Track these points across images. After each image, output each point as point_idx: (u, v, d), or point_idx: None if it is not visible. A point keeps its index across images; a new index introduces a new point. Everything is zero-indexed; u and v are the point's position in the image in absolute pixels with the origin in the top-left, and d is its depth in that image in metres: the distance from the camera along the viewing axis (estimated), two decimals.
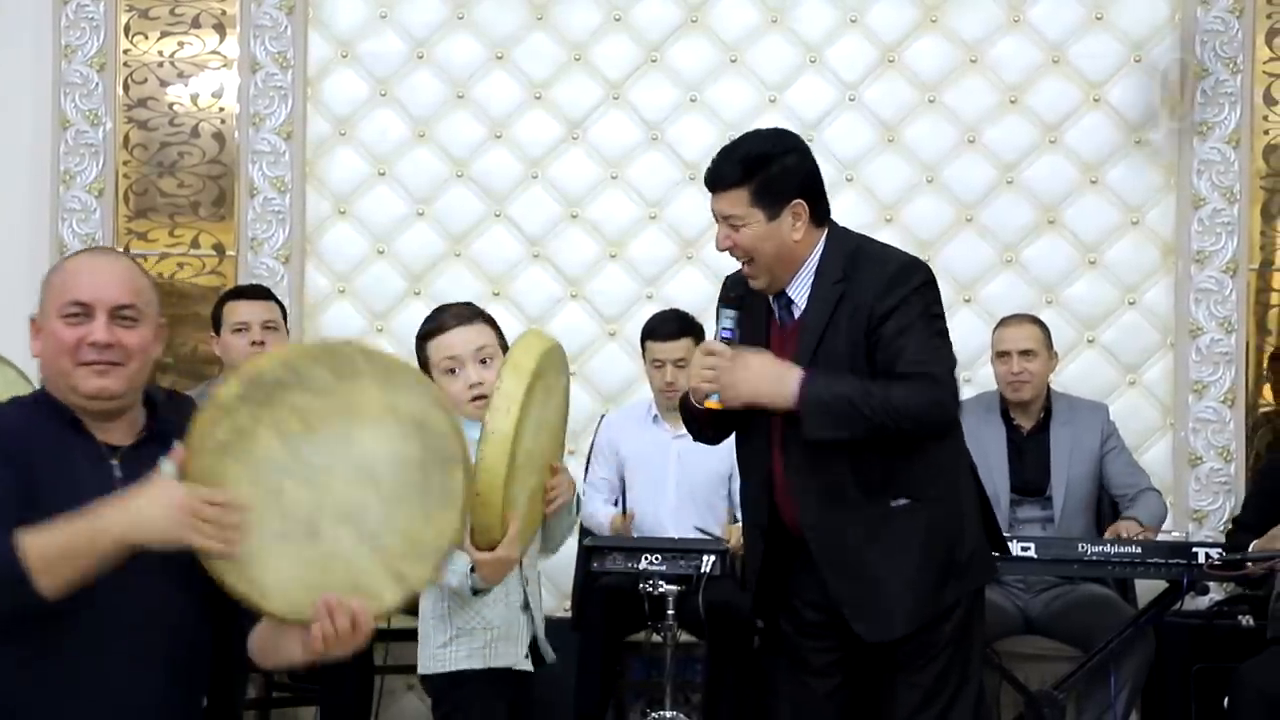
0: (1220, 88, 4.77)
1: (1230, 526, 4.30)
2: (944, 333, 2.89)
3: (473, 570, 2.73)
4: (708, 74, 4.95)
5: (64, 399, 2.20)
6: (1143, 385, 4.83)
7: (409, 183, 4.96)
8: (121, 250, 4.85)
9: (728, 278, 3.00)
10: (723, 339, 2.92)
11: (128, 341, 2.17)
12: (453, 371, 2.80)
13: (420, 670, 2.99)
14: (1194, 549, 3.79)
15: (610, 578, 4.02)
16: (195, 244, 4.90)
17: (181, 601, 2.17)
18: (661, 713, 3.84)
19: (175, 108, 4.91)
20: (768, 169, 2.87)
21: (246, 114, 4.88)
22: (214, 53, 4.93)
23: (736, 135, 4.77)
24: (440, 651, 2.92)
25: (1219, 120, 4.78)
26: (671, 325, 4.30)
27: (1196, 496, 4.75)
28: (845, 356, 2.83)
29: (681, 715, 3.87)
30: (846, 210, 4.84)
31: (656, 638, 3.89)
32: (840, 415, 2.76)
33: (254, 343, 4.10)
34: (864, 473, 2.83)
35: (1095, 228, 4.85)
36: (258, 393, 2.05)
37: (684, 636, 3.96)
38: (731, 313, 2.93)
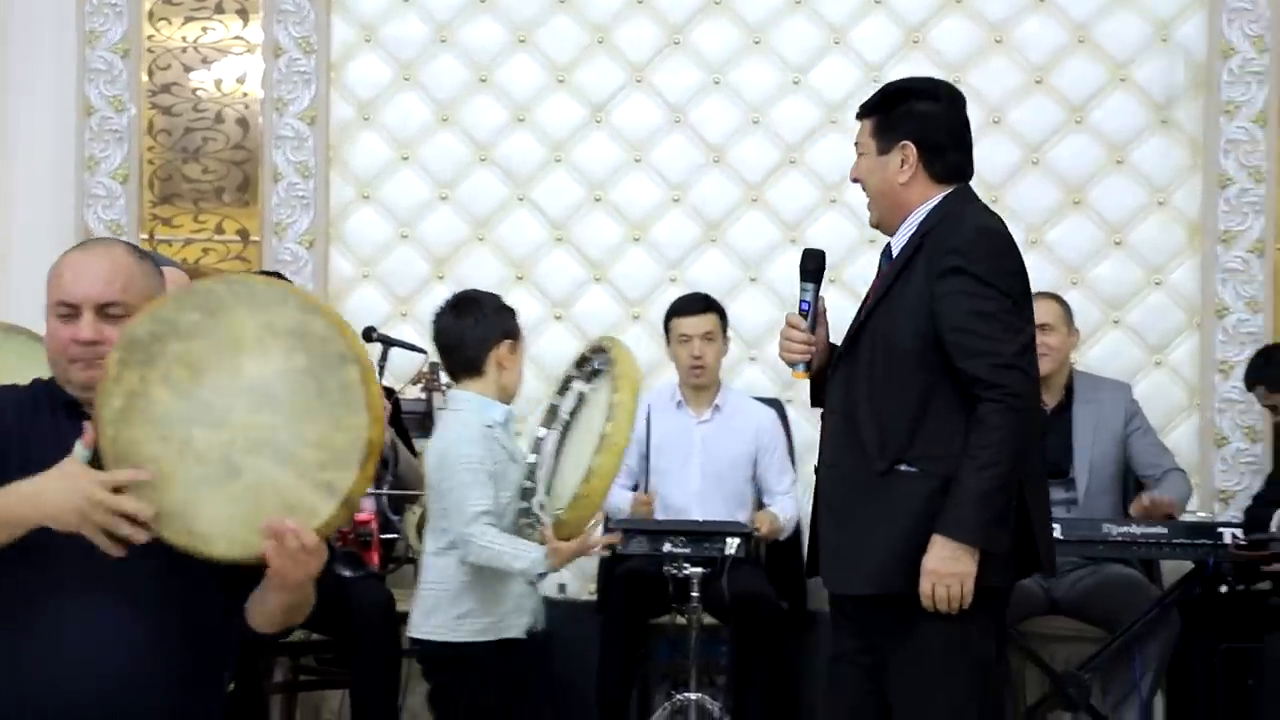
0: (1248, 66, 4.72)
1: (1251, 504, 4.28)
2: (1009, 309, 2.76)
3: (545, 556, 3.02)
4: (730, 56, 4.92)
5: (66, 389, 2.25)
6: (1169, 366, 4.81)
7: (432, 167, 4.96)
8: (146, 236, 4.88)
9: (805, 251, 2.99)
10: (801, 311, 2.94)
11: (115, 337, 2.20)
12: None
13: (420, 635, 3.17)
14: (1219, 529, 3.77)
15: (634, 561, 4.03)
16: (220, 230, 4.91)
17: (173, 574, 2.16)
18: (686, 695, 3.84)
19: (199, 93, 4.91)
20: (896, 106, 2.89)
21: (270, 99, 4.88)
22: (237, 38, 4.93)
23: (759, 118, 4.94)
24: (457, 622, 3.12)
25: (1246, 99, 4.72)
26: (698, 303, 4.37)
27: (1223, 477, 4.72)
28: (908, 309, 2.79)
29: (706, 697, 3.87)
30: None
31: (681, 620, 3.89)
32: (993, 506, 2.71)
33: None
34: (886, 427, 2.79)
35: (1121, 208, 4.81)
36: (137, 353, 2.10)
37: (708, 619, 3.95)
38: (810, 285, 2.94)
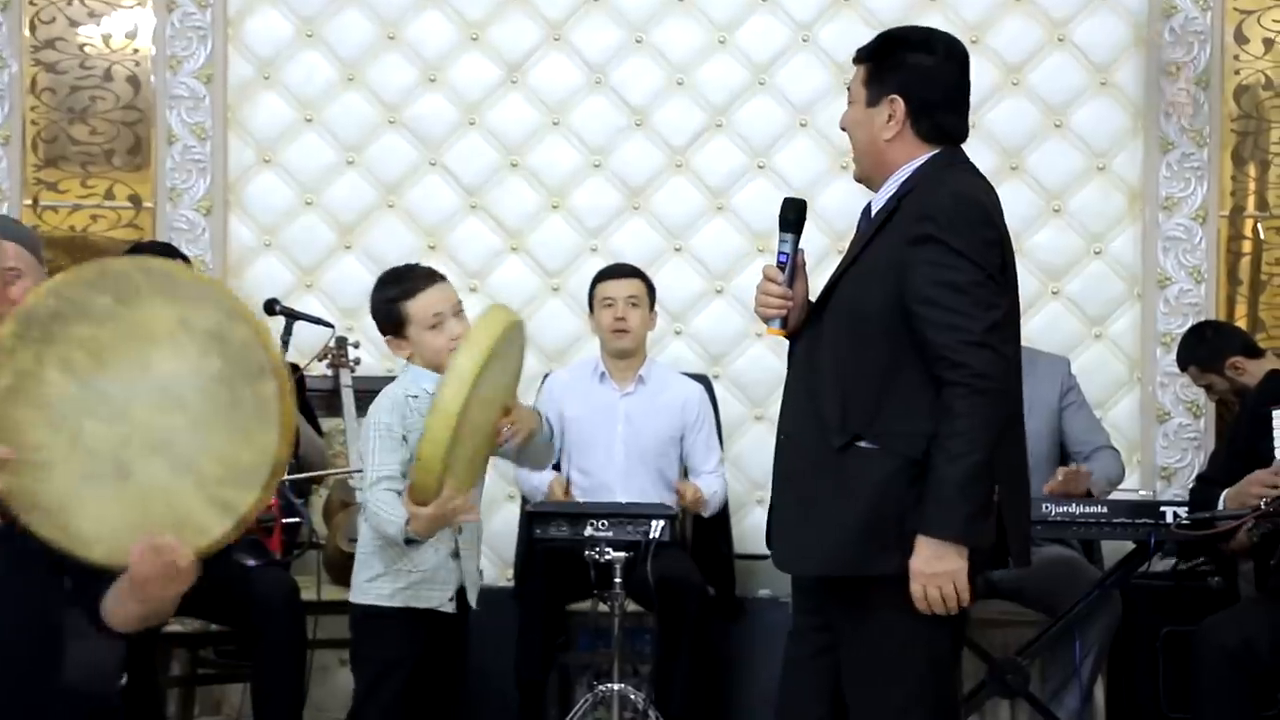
0: (1189, 26, 4.67)
1: (1195, 484, 4.20)
2: (981, 282, 2.57)
3: (407, 522, 3.08)
4: (653, 14, 4.82)
5: None
6: (1109, 338, 4.76)
7: (338, 129, 4.83)
8: (30, 202, 4.70)
9: (786, 199, 2.82)
10: (779, 263, 2.77)
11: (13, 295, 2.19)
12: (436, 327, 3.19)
13: (349, 598, 3.28)
14: (1161, 508, 3.71)
15: (553, 545, 3.88)
16: (110, 195, 4.76)
17: (15, 569, 2.10)
18: (609, 685, 3.74)
19: (86, 49, 4.75)
20: (891, 56, 2.72)
21: (163, 56, 4.74)
22: None
23: (684, 79, 4.78)
24: (367, 585, 3.22)
25: (1188, 60, 4.67)
26: (623, 268, 4.33)
27: (1164, 453, 4.70)
28: (878, 276, 2.63)
29: (629, 688, 3.78)
30: (803, 153, 4.77)
31: (603, 607, 3.80)
32: (973, 498, 2.54)
33: None
34: (848, 400, 2.64)
35: (1059, 173, 4.76)
36: (34, 330, 1.98)
37: (631, 605, 3.86)
38: (789, 236, 2.78)
